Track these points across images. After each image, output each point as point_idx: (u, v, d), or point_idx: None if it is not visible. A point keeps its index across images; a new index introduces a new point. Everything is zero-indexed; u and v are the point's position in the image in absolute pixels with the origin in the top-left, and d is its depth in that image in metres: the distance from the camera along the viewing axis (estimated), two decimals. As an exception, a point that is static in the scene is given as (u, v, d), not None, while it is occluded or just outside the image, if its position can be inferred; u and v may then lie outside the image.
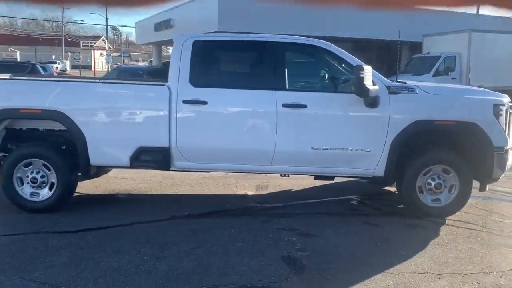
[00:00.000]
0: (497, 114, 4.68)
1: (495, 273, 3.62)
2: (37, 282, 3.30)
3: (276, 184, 6.15)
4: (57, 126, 4.79)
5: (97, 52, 58.85)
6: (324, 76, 5.16)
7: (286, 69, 4.78)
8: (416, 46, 20.31)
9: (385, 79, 4.80)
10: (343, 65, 4.81)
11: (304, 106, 4.62)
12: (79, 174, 4.93)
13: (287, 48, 4.84)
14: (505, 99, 4.91)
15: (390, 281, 3.44)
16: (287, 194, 5.78)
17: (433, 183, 4.78)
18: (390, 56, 22.75)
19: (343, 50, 4.80)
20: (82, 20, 78.78)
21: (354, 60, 4.70)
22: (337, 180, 5.78)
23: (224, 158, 4.78)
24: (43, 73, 20.31)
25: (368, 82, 4.34)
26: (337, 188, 6.02)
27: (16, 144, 4.96)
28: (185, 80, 4.66)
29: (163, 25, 22.04)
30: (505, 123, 4.75)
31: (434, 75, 15.85)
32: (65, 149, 4.92)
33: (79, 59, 40.75)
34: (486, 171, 4.76)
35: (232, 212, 4.99)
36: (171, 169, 4.85)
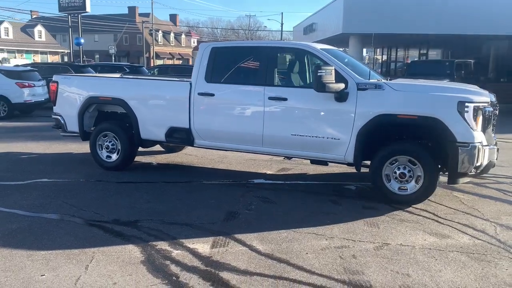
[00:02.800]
0: (462, 111, 4.89)
1: (378, 244, 4.14)
2: (69, 204, 5.21)
3: (299, 168, 7.12)
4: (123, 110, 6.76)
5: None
6: (305, 74, 5.99)
7: (275, 69, 5.83)
8: None
9: (358, 77, 5.42)
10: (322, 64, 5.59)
11: (285, 99, 5.62)
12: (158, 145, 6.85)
13: (276, 51, 5.88)
14: (479, 97, 5.04)
15: (284, 234, 4.33)
16: (298, 176, 6.71)
17: (398, 172, 5.24)
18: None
19: (323, 51, 5.59)
20: (266, 26, 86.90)
21: (330, 60, 5.48)
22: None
23: (228, 139, 6.08)
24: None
25: (328, 80, 5.11)
26: (354, 176, 6.63)
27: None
28: (202, 77, 6.11)
29: (309, 29, 23.70)
30: (474, 119, 4.91)
31: None
32: (128, 126, 6.87)
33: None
34: (452, 165, 4.99)
35: (236, 183, 6.25)
36: (194, 145, 6.37)
